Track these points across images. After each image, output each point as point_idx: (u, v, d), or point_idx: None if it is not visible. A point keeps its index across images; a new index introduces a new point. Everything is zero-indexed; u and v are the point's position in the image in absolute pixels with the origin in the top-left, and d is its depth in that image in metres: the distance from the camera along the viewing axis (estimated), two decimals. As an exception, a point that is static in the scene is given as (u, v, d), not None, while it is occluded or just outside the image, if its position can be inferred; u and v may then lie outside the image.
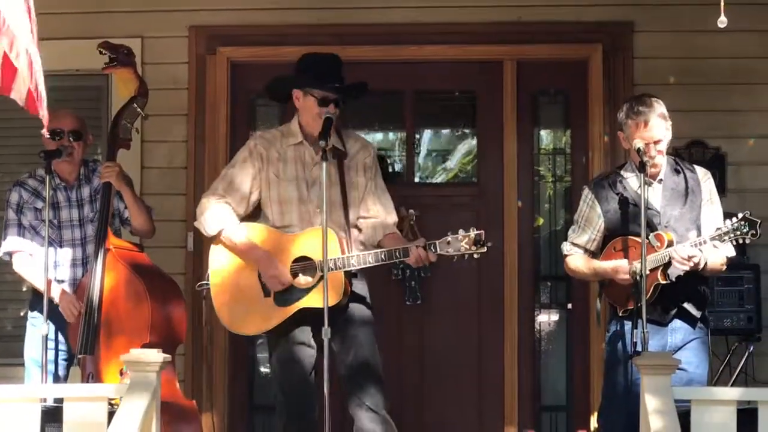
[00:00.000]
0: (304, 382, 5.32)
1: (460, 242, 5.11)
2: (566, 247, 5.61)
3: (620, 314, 5.44)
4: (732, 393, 4.84)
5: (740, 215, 5.13)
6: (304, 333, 5.32)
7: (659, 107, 5.39)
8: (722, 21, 4.95)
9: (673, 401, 4.55)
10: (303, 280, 5.30)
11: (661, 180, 5.44)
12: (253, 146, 5.56)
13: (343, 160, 5.49)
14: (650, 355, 4.75)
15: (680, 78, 6.79)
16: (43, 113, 4.53)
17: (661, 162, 5.41)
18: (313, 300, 5.23)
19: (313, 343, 5.31)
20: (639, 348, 5.10)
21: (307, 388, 5.33)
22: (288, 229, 5.40)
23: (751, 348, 6.65)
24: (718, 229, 5.19)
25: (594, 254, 5.54)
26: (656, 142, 5.35)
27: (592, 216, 5.53)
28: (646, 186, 5.30)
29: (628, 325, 5.36)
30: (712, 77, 6.87)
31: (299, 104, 5.48)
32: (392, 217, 5.53)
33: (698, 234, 5.34)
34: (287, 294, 5.32)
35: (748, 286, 6.57)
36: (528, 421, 7.10)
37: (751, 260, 6.60)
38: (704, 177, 5.53)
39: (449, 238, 5.13)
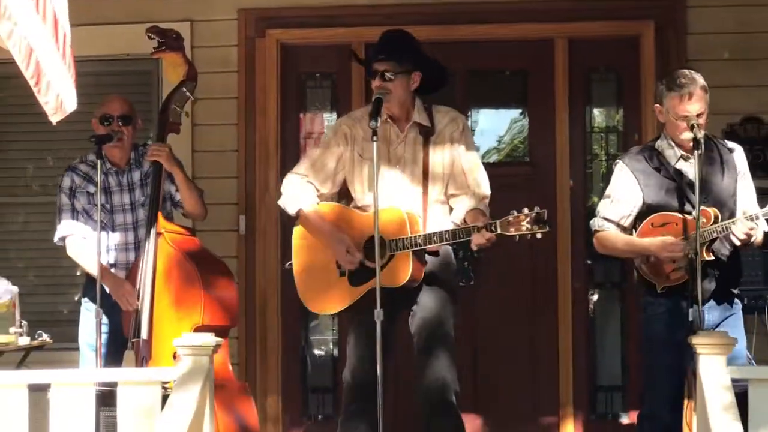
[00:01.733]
0: (373, 363, 5.27)
1: (522, 222, 5.03)
2: (598, 221, 5.48)
3: (659, 291, 5.35)
4: (790, 372, 4.78)
5: None
6: (378, 313, 5.28)
7: (701, 80, 5.31)
8: (778, -7, 4.88)
9: (730, 380, 4.50)
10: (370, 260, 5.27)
11: (699, 155, 5.35)
12: (338, 126, 5.59)
13: (429, 137, 5.45)
14: (706, 334, 4.68)
15: (734, 54, 6.70)
16: (46, 100, 4.47)
17: (702, 133, 5.32)
18: (383, 279, 5.12)
19: (384, 323, 5.20)
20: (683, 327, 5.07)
21: (374, 371, 5.28)
22: (370, 207, 5.33)
23: (807, 325, 6.58)
24: None
25: (626, 230, 5.43)
26: (698, 115, 5.27)
27: (629, 190, 5.41)
28: (683, 160, 5.27)
29: (668, 302, 5.30)
30: (766, 52, 6.77)
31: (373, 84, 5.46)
32: (480, 192, 5.43)
33: (734, 210, 5.28)
34: (361, 273, 5.32)
35: (807, 262, 6.49)
36: (583, 401, 7.05)
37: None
38: (737, 151, 5.46)
39: (510, 218, 5.05)
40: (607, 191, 5.51)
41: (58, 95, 4.48)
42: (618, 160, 5.56)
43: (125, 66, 7.12)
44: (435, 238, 5.20)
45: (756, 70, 6.71)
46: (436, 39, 6.72)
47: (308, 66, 7.29)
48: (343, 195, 5.67)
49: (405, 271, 5.22)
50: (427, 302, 5.38)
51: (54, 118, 4.53)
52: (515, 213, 5.05)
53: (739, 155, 5.44)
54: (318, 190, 5.51)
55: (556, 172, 7.10)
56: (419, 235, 5.22)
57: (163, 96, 6.20)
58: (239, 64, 7.13)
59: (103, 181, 5.79)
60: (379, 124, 5.09)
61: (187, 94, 6.01)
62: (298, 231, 5.58)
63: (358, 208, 5.50)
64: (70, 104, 4.53)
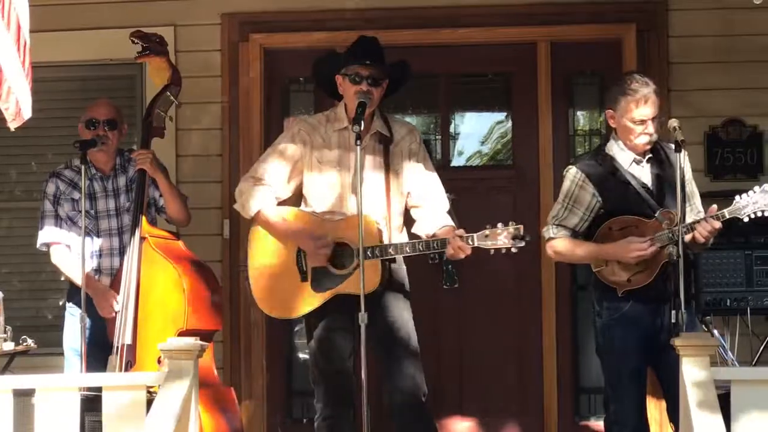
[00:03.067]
0: (342, 368, 5.31)
1: (499, 236, 5.04)
2: (552, 230, 5.44)
3: (620, 295, 5.33)
4: (773, 373, 4.80)
5: (757, 188, 5.10)
6: (342, 318, 5.29)
7: (653, 84, 5.34)
8: (758, -2, 4.90)
9: (713, 381, 4.51)
10: (338, 266, 5.29)
11: (650, 158, 5.38)
12: (296, 131, 5.52)
13: (388, 146, 5.44)
14: (690, 335, 4.69)
15: (716, 56, 6.71)
16: (6, 106, 4.45)
17: (654, 136, 5.35)
18: (349, 286, 5.20)
19: (350, 328, 5.26)
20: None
21: (345, 373, 5.32)
22: (327, 215, 5.37)
23: (793, 327, 6.60)
24: (737, 201, 5.13)
25: (580, 237, 5.42)
26: (653, 119, 5.30)
27: (584, 196, 5.39)
28: (635, 164, 5.32)
29: (630, 305, 5.30)
30: (748, 55, 6.79)
31: (341, 89, 5.42)
32: (445, 206, 5.46)
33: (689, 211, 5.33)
34: (324, 279, 5.31)
35: (789, 264, 6.52)
36: (567, 403, 7.06)
37: (789, 238, 6.54)
38: (681, 154, 5.45)
39: (487, 232, 5.06)
40: (561, 198, 5.47)
41: (17, 101, 4.46)
42: (570, 167, 5.50)
43: (109, 71, 7.08)
44: (407, 248, 5.20)
45: (737, 73, 6.72)
46: (419, 43, 6.74)
47: (292, 70, 7.27)
48: (297, 202, 5.56)
49: (374, 279, 5.20)
50: (388, 306, 5.36)
51: (12, 125, 4.52)
52: (492, 227, 5.06)
53: (685, 157, 5.43)
54: (274, 194, 5.45)
55: (540, 176, 7.10)
56: (390, 245, 5.22)
57: (148, 101, 6.20)
58: (223, 68, 7.12)
59: (88, 187, 5.81)
60: (362, 128, 5.09)
61: (171, 98, 6.02)
62: (254, 233, 5.51)
63: (318, 215, 5.43)
64: (27, 112, 4.50)
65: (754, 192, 5.11)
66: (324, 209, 5.40)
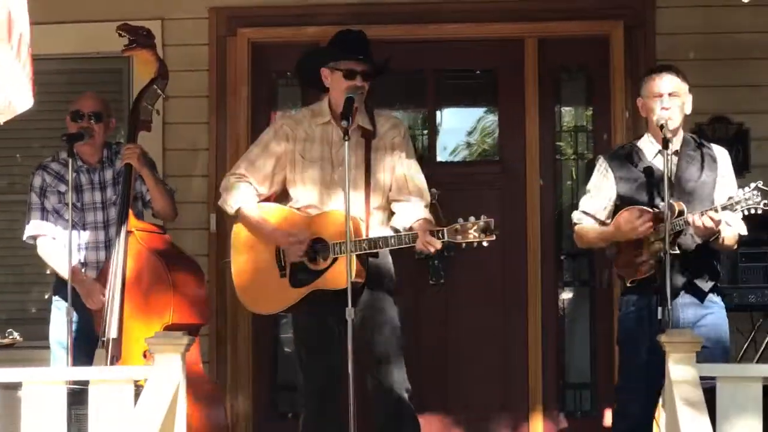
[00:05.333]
0: (325, 363, 5.30)
1: (469, 230, 5.02)
2: (576, 215, 5.55)
3: (628, 284, 5.39)
4: (758, 369, 4.81)
5: (753, 185, 5.07)
6: (326, 313, 5.28)
7: (675, 69, 5.40)
8: (746, -5, 4.91)
9: (698, 378, 4.52)
10: (317, 261, 5.29)
11: (677, 152, 5.39)
12: (279, 126, 5.53)
13: (371, 141, 5.42)
14: (675, 332, 4.71)
15: (702, 54, 6.72)
16: None
17: (676, 118, 5.35)
18: (325, 282, 5.20)
19: (335, 323, 5.26)
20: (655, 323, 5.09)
21: (328, 369, 5.31)
22: (310, 209, 5.37)
23: (776, 324, 6.62)
24: (730, 197, 5.13)
25: (604, 224, 5.47)
26: (671, 94, 5.31)
27: (605, 184, 5.47)
28: (660, 156, 5.28)
29: (640, 298, 5.33)
30: (734, 52, 6.81)
31: (328, 82, 5.40)
32: (424, 200, 5.44)
33: None
34: (302, 275, 5.31)
35: (772, 261, 6.54)
36: (552, 398, 7.08)
37: (775, 236, 6.56)
38: (721, 154, 5.48)
39: (458, 226, 5.04)
40: (588, 186, 5.58)
41: (5, 95, 4.44)
42: (599, 156, 5.63)
43: (97, 64, 7.07)
44: (381, 243, 5.20)
45: (724, 70, 6.74)
46: (406, 38, 6.74)
47: (279, 65, 7.26)
48: (283, 196, 5.56)
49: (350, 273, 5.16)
50: (371, 302, 5.35)
51: (1, 118, 4.51)
52: (462, 221, 5.05)
53: (722, 158, 5.46)
54: (256, 190, 5.46)
55: (526, 171, 7.11)
56: (365, 240, 5.21)
57: (135, 94, 6.18)
58: (210, 62, 7.11)
59: (74, 179, 5.78)
60: (351, 123, 5.07)
61: (158, 91, 6.01)
62: (236, 230, 5.52)
63: (297, 209, 5.44)
64: (22, 104, 4.48)
65: (747, 189, 5.10)
66: (307, 204, 5.40)
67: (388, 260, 5.44)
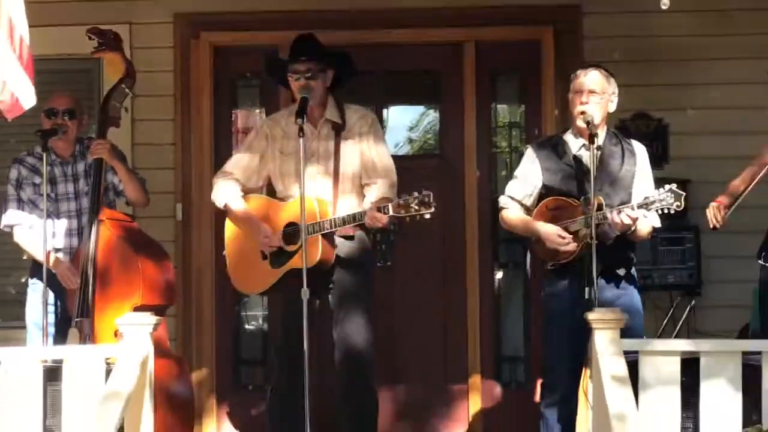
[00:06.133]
0: (297, 340, 5.25)
1: (410, 204, 5.04)
2: (503, 199, 5.55)
3: (548, 268, 5.40)
4: (676, 344, 4.84)
5: (667, 187, 5.08)
6: (299, 292, 5.25)
7: (600, 69, 5.39)
8: (664, 3, 4.93)
9: (622, 352, 4.53)
10: (290, 244, 5.35)
11: (599, 147, 5.36)
12: (260, 127, 5.67)
13: (340, 132, 5.47)
14: (602, 310, 4.70)
15: (626, 56, 6.71)
16: (1, 99, 4.41)
17: (595, 114, 5.31)
18: (296, 261, 5.21)
19: (310, 302, 5.17)
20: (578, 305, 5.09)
21: (300, 345, 5.26)
22: (289, 198, 5.42)
23: (692, 302, 6.64)
24: (646, 198, 5.14)
25: (528, 210, 5.47)
26: (591, 92, 5.30)
27: (531, 172, 5.45)
28: (584, 149, 5.29)
29: (562, 281, 5.34)
30: (654, 54, 6.83)
31: (291, 85, 5.46)
32: (389, 179, 5.45)
33: (629, 201, 5.28)
34: (281, 257, 5.38)
35: (689, 245, 6.57)
36: (489, 371, 7.07)
37: (691, 222, 6.57)
38: (640, 149, 5.49)
39: (400, 201, 5.08)
40: (515, 172, 5.56)
41: (12, 93, 4.44)
42: (528, 146, 5.63)
43: (68, 65, 6.96)
44: (338, 222, 5.24)
45: (645, 71, 6.75)
46: (355, 42, 6.67)
47: (239, 66, 7.22)
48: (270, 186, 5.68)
49: (315, 252, 5.23)
50: (343, 281, 5.41)
51: (9, 115, 4.51)
52: (404, 196, 5.08)
53: (641, 153, 5.47)
54: (243, 186, 5.56)
55: (464, 164, 7.09)
56: (326, 220, 5.25)
57: (104, 93, 6.13)
58: (175, 64, 7.03)
59: (49, 172, 5.78)
60: (305, 121, 5.10)
61: (126, 90, 5.99)
62: (228, 222, 5.62)
63: (281, 198, 5.52)
64: (27, 102, 4.49)
65: (662, 190, 5.11)
66: (288, 194, 5.47)
67: (366, 243, 5.48)
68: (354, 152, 5.46)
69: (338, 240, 5.37)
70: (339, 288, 5.42)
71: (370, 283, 5.51)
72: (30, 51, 4.45)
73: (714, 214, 5.40)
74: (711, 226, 5.41)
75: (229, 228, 5.61)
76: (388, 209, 5.10)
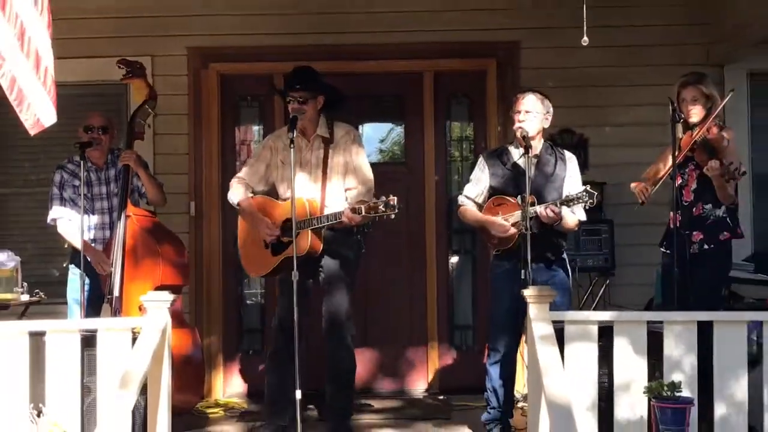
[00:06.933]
0: (290, 313, 5.23)
1: (378, 206, 5.08)
2: (461, 198, 5.64)
3: (494, 253, 5.48)
4: (594, 315, 4.86)
5: (582, 188, 5.21)
6: (294, 274, 5.24)
7: (536, 92, 5.47)
8: (585, 40, 4.97)
9: (551, 322, 4.55)
10: (285, 236, 5.41)
11: (536, 155, 5.42)
12: (266, 141, 5.72)
13: (329, 145, 5.51)
14: (535, 288, 4.73)
15: (556, 83, 6.72)
16: (26, 117, 4.42)
17: (530, 129, 5.36)
18: (291, 251, 5.22)
19: (304, 283, 5.30)
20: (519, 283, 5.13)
21: (292, 317, 5.25)
22: (288, 199, 5.41)
23: (608, 281, 6.68)
24: (567, 195, 5.24)
25: (480, 206, 5.55)
26: (527, 111, 5.39)
27: (482, 176, 5.54)
28: (523, 158, 5.32)
29: (505, 263, 5.38)
30: (578, 81, 6.84)
31: (288, 106, 5.53)
32: (367, 185, 5.50)
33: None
34: (279, 247, 5.43)
35: (605, 235, 6.57)
36: (444, 336, 7.08)
37: (606, 216, 6.61)
38: (570, 158, 5.54)
39: (370, 203, 5.13)
40: (470, 176, 5.65)
41: (35, 114, 4.45)
42: (480, 155, 5.70)
43: (102, 89, 6.94)
44: (324, 220, 5.30)
45: (569, 94, 6.75)
46: (337, 71, 6.65)
47: (241, 91, 7.19)
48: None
49: (305, 243, 5.29)
50: (330, 265, 5.48)
51: (32, 131, 4.51)
52: (375, 200, 5.13)
53: (571, 161, 5.53)
54: (253, 189, 5.62)
55: (425, 171, 7.10)
56: (314, 218, 5.31)
57: (131, 112, 6.11)
58: (189, 88, 7.00)
59: (85, 176, 5.77)
60: (294, 135, 5.14)
61: (149, 110, 5.98)
62: (240, 221, 5.68)
63: (284, 200, 5.54)
64: (48, 120, 4.49)
65: (579, 190, 5.19)
66: (285, 197, 5.52)
67: (351, 236, 5.49)
68: (339, 162, 5.50)
69: (327, 233, 5.40)
70: (326, 271, 5.47)
71: (351, 268, 5.54)
72: (54, 79, 4.46)
73: (641, 190, 5.44)
74: (640, 201, 5.44)
75: (241, 226, 5.67)
76: (361, 210, 5.14)
